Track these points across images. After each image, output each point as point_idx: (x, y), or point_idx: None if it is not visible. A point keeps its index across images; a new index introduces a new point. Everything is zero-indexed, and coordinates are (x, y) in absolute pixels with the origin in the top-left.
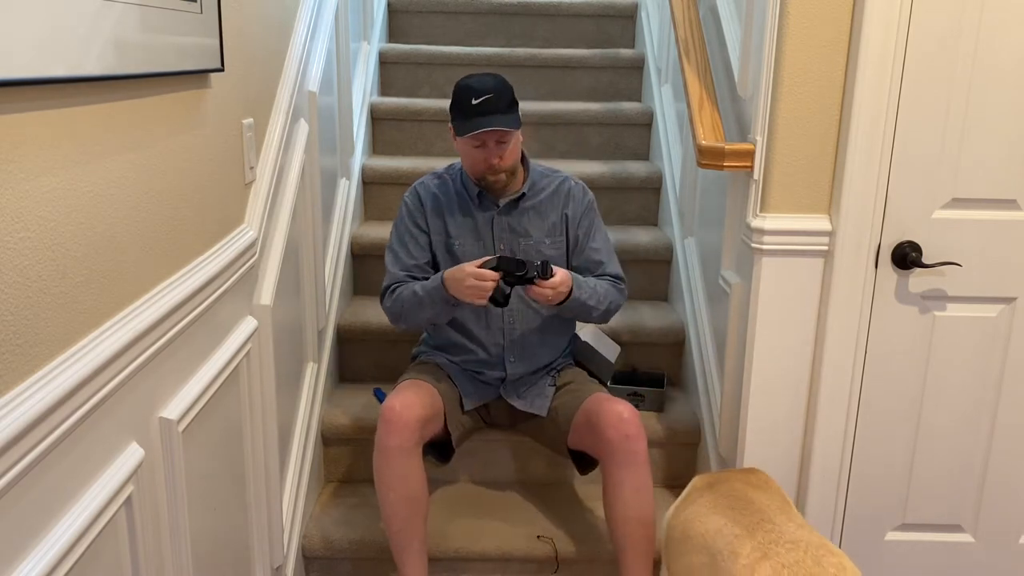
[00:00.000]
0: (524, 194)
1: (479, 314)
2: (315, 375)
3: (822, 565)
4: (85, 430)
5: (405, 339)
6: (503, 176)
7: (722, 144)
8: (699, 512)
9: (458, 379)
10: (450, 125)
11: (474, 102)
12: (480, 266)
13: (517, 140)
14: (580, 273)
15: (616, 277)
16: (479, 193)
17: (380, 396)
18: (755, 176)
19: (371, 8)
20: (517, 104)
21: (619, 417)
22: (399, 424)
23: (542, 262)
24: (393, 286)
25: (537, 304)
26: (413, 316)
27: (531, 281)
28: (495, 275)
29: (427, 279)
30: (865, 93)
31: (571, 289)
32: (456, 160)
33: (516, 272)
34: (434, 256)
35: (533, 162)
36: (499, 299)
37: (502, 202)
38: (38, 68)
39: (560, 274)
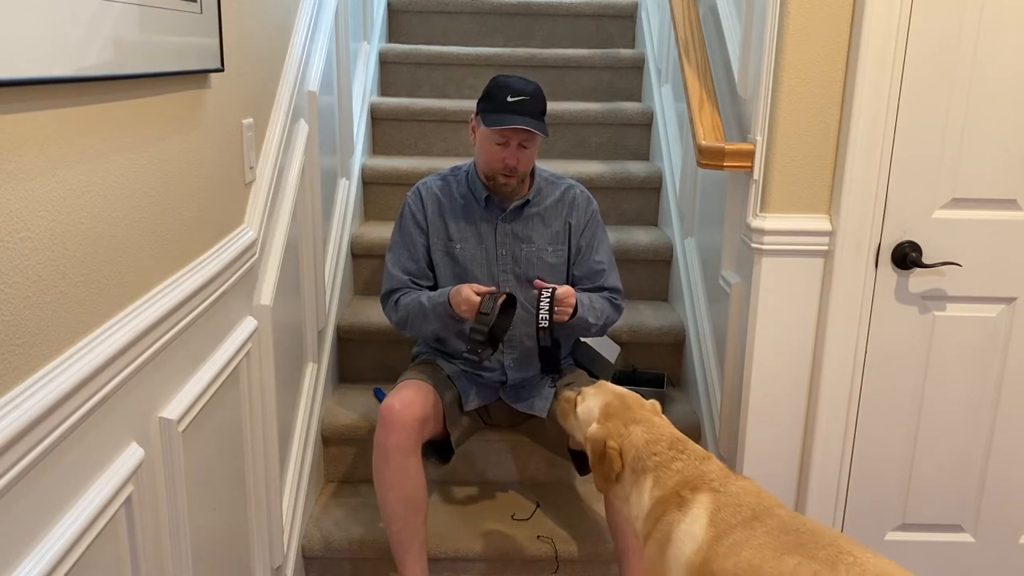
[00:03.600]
0: (529, 200)
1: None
2: (315, 375)
3: None
4: (85, 430)
5: (405, 339)
6: (514, 180)
7: (722, 144)
8: (767, 556)
9: (458, 380)
10: (472, 117)
11: (510, 100)
12: (481, 294)
13: (536, 148)
14: (580, 282)
15: (615, 290)
16: (487, 197)
17: (380, 396)
18: (755, 176)
19: (371, 8)
20: (545, 113)
21: None
22: (398, 424)
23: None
24: (396, 293)
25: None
26: (417, 325)
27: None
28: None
29: (430, 286)
30: (865, 93)
31: (576, 307)
32: (460, 162)
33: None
34: (431, 258)
35: (539, 167)
36: (482, 307)
37: (507, 206)
38: (38, 68)
39: (564, 288)
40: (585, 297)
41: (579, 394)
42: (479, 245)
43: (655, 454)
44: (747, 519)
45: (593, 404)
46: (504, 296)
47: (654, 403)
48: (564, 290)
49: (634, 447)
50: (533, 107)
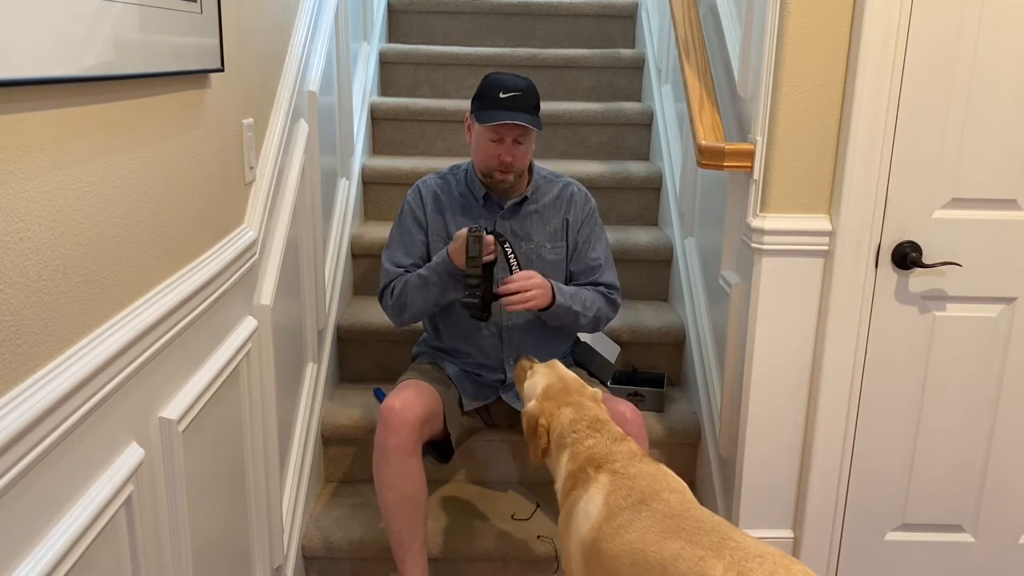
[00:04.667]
0: (527, 197)
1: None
2: (315, 375)
3: (792, 573)
4: (85, 430)
5: (405, 339)
6: (511, 176)
7: (722, 144)
8: (649, 539)
9: (458, 380)
10: (467, 116)
11: (502, 96)
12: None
13: (532, 144)
14: (576, 278)
15: (610, 286)
16: (486, 194)
17: (380, 396)
18: (755, 176)
19: (371, 8)
20: (539, 109)
21: (622, 417)
22: (398, 423)
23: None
24: (390, 285)
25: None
26: (418, 299)
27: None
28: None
29: None
30: (865, 93)
31: (553, 296)
32: (459, 161)
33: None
34: (431, 256)
35: (537, 165)
36: (470, 250)
37: (506, 204)
38: (38, 68)
39: (525, 273)
40: (568, 288)
41: (532, 367)
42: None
43: (574, 432)
44: (635, 502)
45: (539, 382)
46: (487, 234)
47: (596, 391)
48: (525, 273)
49: (559, 425)
50: (526, 102)
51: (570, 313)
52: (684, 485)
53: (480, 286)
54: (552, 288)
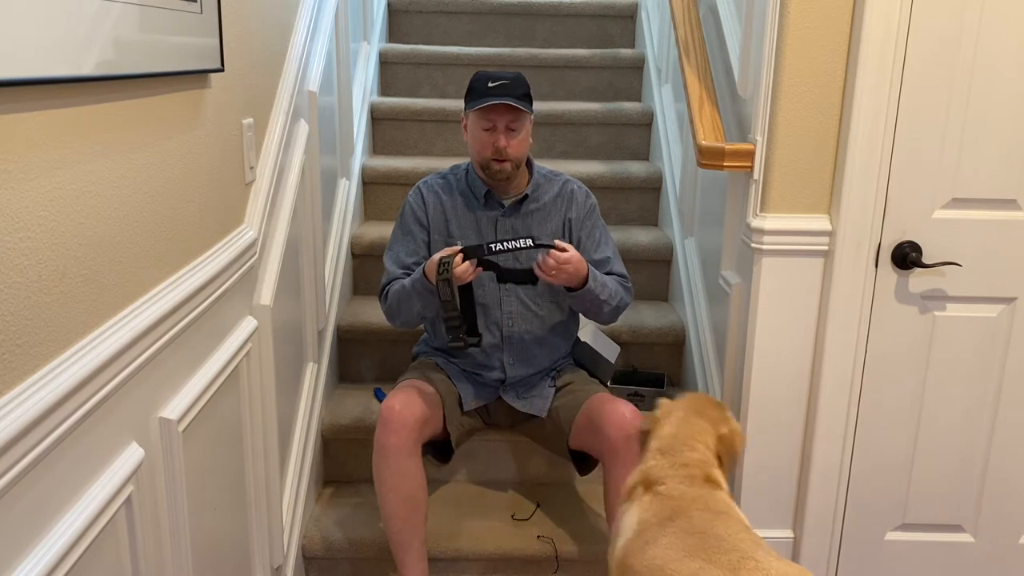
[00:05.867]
0: (527, 196)
1: (477, 317)
2: (315, 375)
3: None
4: (85, 430)
5: (405, 339)
6: (508, 166)
7: (722, 144)
8: (670, 556)
9: (458, 380)
10: (462, 115)
11: (491, 85)
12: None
13: (527, 133)
14: None
15: (622, 276)
16: (487, 193)
17: (380, 396)
18: (755, 176)
19: (371, 8)
20: (531, 99)
21: (622, 417)
22: (398, 424)
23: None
24: (389, 286)
25: (537, 306)
26: (404, 309)
27: (493, 262)
28: (454, 249)
29: None
30: (865, 93)
31: (586, 276)
32: (460, 161)
33: (484, 255)
34: (432, 254)
35: (537, 164)
36: (441, 293)
37: (507, 202)
38: (38, 68)
39: (571, 251)
40: (600, 275)
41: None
42: (480, 241)
43: (647, 450)
44: (664, 519)
45: (671, 403)
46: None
47: (725, 416)
48: (570, 254)
49: (650, 442)
50: (515, 89)
51: (596, 300)
52: (728, 504)
53: (461, 327)
54: (587, 272)
